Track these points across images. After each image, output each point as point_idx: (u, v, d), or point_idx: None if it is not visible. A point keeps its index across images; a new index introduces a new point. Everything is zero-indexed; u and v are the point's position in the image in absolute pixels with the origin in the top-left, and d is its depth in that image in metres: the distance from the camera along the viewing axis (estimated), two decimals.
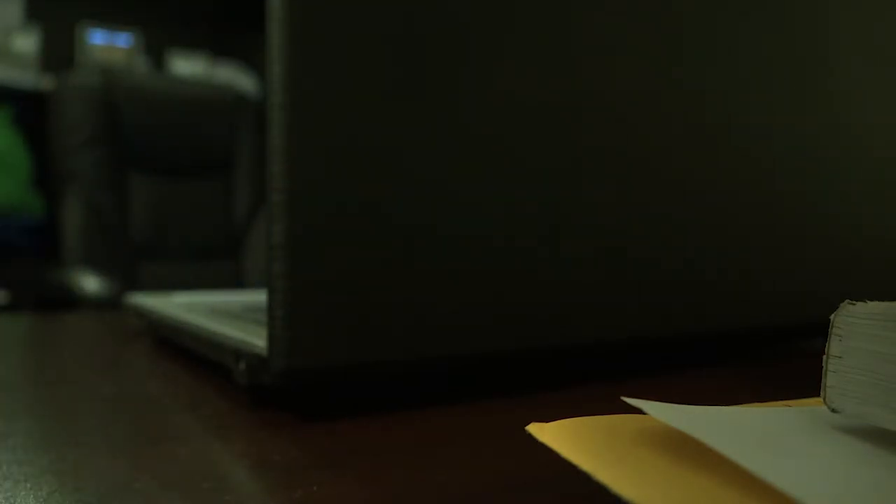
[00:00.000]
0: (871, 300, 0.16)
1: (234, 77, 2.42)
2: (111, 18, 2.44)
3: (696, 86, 0.31)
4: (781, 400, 0.22)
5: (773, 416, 0.18)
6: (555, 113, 0.27)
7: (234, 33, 2.65)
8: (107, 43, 2.41)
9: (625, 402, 0.17)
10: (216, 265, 1.43)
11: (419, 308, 0.24)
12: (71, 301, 1.17)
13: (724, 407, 0.18)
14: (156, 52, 2.52)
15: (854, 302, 0.17)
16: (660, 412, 0.16)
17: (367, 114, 0.23)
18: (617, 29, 0.28)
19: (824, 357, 0.17)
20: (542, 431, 0.17)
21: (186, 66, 2.49)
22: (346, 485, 0.17)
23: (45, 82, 2.17)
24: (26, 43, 2.20)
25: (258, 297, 0.49)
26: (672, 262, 0.30)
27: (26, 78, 2.18)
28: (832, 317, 0.17)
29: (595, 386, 0.28)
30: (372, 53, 0.23)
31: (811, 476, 0.13)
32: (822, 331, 0.18)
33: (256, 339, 0.24)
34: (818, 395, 0.17)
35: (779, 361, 0.34)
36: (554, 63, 0.27)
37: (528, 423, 0.17)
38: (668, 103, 0.30)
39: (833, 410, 0.17)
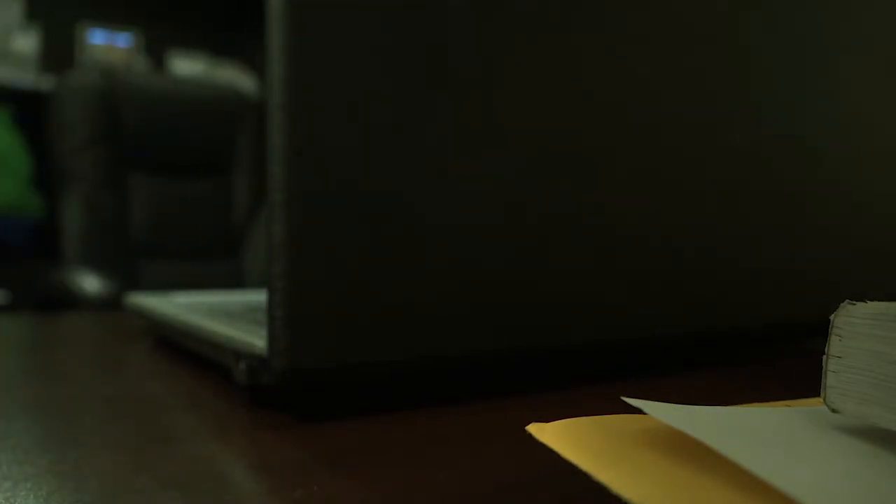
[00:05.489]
0: (871, 300, 0.16)
1: (234, 77, 2.42)
2: (111, 18, 2.44)
3: (696, 85, 0.31)
4: (781, 400, 0.22)
5: (773, 416, 0.18)
6: (558, 112, 0.27)
7: (234, 33, 2.65)
8: (107, 43, 2.41)
9: (625, 402, 0.17)
10: (216, 265, 1.43)
11: (419, 308, 0.24)
12: (71, 301, 1.17)
13: (724, 407, 0.18)
14: (156, 52, 2.52)
15: (854, 302, 0.17)
16: (660, 412, 0.16)
17: (367, 113, 0.23)
18: (624, 23, 0.28)
19: (824, 357, 0.17)
20: (542, 431, 0.17)
21: (186, 66, 2.49)
22: (346, 485, 0.17)
23: (45, 82, 2.17)
24: (26, 43, 2.20)
25: (258, 297, 0.49)
26: (672, 263, 0.30)
27: (26, 78, 2.18)
28: (832, 317, 0.17)
29: (595, 386, 0.28)
30: (372, 53, 0.23)
31: (811, 476, 0.13)
32: (822, 331, 0.18)
33: (256, 339, 0.24)
34: (818, 395, 0.17)
35: (779, 361, 0.34)
36: (559, 60, 0.27)
37: (528, 423, 0.17)
38: (669, 103, 0.30)
39: (833, 410, 0.17)
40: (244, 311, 0.37)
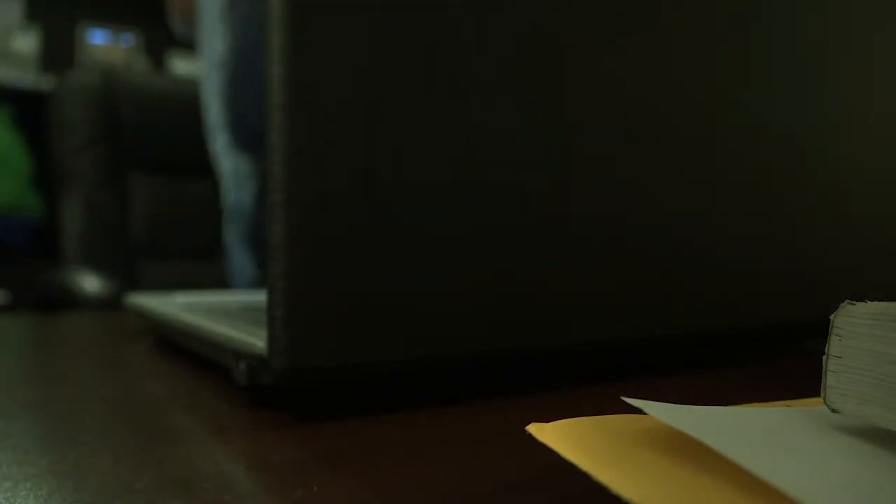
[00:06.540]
0: (871, 300, 0.16)
1: None
2: (111, 18, 2.45)
3: (696, 85, 0.31)
4: (781, 400, 0.22)
5: (773, 416, 0.18)
6: (558, 112, 0.27)
7: None
8: (107, 43, 2.41)
9: (625, 402, 0.17)
10: (216, 265, 1.43)
11: (419, 308, 0.24)
12: (71, 301, 1.17)
13: (724, 407, 0.18)
14: (156, 52, 2.52)
15: (854, 302, 0.17)
16: (660, 412, 0.16)
17: (367, 114, 0.23)
18: (623, 23, 0.28)
19: (824, 357, 0.17)
20: (542, 431, 0.17)
21: (186, 66, 2.49)
22: (346, 485, 0.17)
23: (45, 82, 2.17)
24: (26, 43, 2.20)
25: (258, 297, 0.49)
26: (672, 262, 0.30)
27: (26, 78, 2.18)
28: (832, 317, 0.17)
29: (595, 386, 0.28)
30: (372, 53, 0.23)
31: (811, 476, 0.13)
32: (822, 331, 0.18)
33: (256, 339, 0.24)
34: (818, 395, 0.17)
35: (779, 361, 0.34)
36: (560, 60, 0.27)
37: (528, 423, 0.17)
38: (668, 103, 0.30)
39: (833, 410, 0.17)
40: (244, 311, 0.37)
